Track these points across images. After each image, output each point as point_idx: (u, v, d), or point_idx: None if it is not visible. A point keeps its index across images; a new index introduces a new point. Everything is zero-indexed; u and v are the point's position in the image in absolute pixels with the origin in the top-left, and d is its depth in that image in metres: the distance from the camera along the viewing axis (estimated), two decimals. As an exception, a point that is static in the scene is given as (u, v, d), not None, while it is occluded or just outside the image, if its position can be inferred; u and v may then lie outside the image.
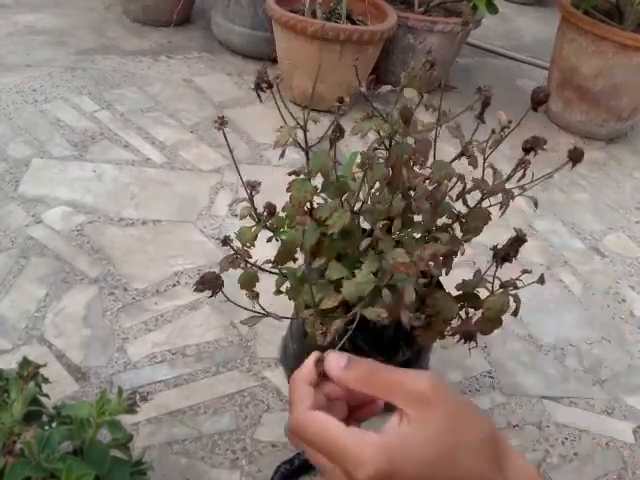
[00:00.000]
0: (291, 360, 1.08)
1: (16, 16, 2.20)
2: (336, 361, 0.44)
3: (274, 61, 2.04)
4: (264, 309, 0.83)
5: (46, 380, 0.69)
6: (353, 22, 1.98)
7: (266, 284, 0.89)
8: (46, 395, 0.69)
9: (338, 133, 0.72)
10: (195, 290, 0.71)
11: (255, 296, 0.82)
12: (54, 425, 0.65)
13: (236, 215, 1.45)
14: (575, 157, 0.74)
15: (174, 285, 1.24)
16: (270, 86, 0.73)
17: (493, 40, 2.79)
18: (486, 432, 0.42)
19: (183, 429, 0.98)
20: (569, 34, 2.02)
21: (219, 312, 1.19)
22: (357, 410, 0.48)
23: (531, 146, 0.74)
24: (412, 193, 0.81)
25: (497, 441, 0.42)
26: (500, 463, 0.42)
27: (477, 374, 1.18)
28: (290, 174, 0.82)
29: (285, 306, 0.91)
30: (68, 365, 1.04)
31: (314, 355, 0.46)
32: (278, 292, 0.89)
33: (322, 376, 0.45)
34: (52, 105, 1.72)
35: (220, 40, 2.26)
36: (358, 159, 0.87)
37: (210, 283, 0.71)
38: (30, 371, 0.66)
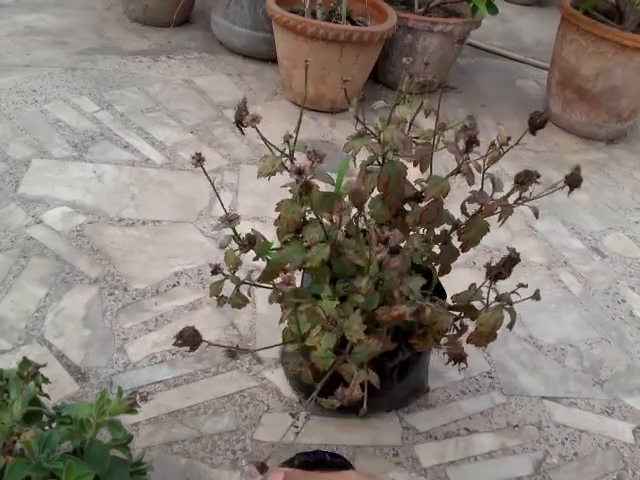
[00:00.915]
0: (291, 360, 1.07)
1: (16, 16, 2.20)
2: None
3: (274, 61, 2.04)
4: (245, 349, 0.85)
5: (46, 380, 0.69)
6: (353, 22, 1.98)
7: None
8: (46, 395, 0.70)
9: (305, 191, 0.73)
10: (174, 344, 0.71)
11: (233, 356, 0.82)
12: (54, 425, 0.65)
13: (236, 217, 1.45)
14: (573, 182, 0.74)
15: (174, 285, 1.24)
16: (250, 123, 0.74)
17: (493, 40, 2.79)
18: None
19: (183, 429, 0.98)
20: (569, 34, 2.02)
21: (219, 312, 1.19)
22: None
23: (523, 180, 0.75)
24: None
25: None
26: None
27: (477, 374, 1.18)
28: (284, 187, 0.83)
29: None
30: (68, 365, 1.04)
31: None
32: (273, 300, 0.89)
33: None
34: (52, 105, 1.72)
35: (220, 40, 2.26)
36: (351, 164, 0.87)
37: (189, 339, 0.71)
38: (30, 371, 0.66)
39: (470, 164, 0.78)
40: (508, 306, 0.80)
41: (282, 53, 1.93)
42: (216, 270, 0.81)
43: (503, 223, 0.78)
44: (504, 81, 2.43)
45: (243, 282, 0.84)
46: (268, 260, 0.86)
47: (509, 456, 1.05)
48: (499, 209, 0.75)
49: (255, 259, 0.87)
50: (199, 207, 1.46)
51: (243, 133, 0.77)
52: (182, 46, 2.22)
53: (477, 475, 1.01)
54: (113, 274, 1.23)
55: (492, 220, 0.82)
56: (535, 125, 0.72)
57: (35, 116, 1.66)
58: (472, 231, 0.82)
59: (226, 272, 0.85)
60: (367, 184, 0.80)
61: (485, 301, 0.82)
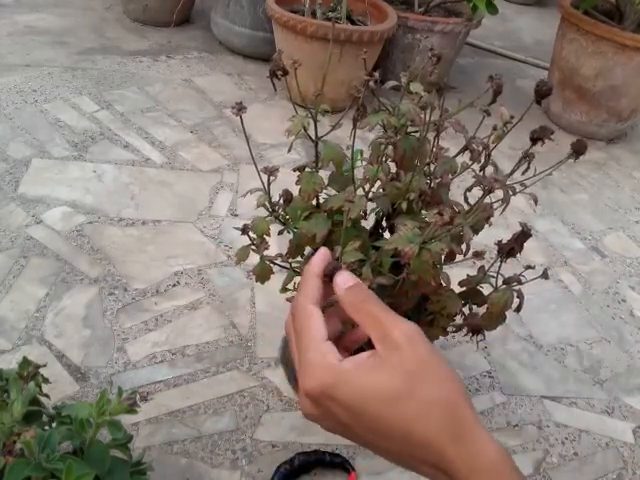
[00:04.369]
0: (291, 360, 1.07)
1: (16, 16, 2.20)
2: (343, 280, 0.46)
3: (274, 61, 2.04)
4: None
5: (46, 380, 0.69)
6: (353, 22, 1.98)
7: (267, 285, 0.89)
8: (46, 395, 0.69)
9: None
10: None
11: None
12: (54, 425, 0.65)
13: (236, 215, 1.45)
14: (578, 149, 0.73)
15: (174, 285, 1.24)
16: (285, 73, 0.72)
17: (493, 40, 2.79)
18: (446, 397, 0.41)
19: (183, 429, 0.98)
20: (569, 34, 2.03)
21: (219, 312, 1.19)
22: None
23: (538, 136, 0.73)
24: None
25: (457, 412, 0.41)
26: (457, 434, 0.40)
27: (477, 374, 1.18)
28: (295, 170, 0.82)
29: (286, 304, 0.90)
30: (68, 365, 1.04)
31: (327, 257, 0.48)
32: (284, 290, 0.88)
33: (328, 279, 0.47)
34: (52, 105, 1.72)
35: (220, 40, 2.26)
36: (359, 156, 0.87)
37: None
38: (30, 371, 0.66)
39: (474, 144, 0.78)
40: (517, 287, 0.80)
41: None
42: (245, 230, 0.79)
43: (505, 208, 0.78)
44: (504, 81, 2.42)
45: (267, 257, 0.82)
46: (294, 233, 0.84)
47: (509, 456, 1.04)
48: (497, 185, 0.74)
49: (280, 233, 0.85)
50: (199, 207, 1.46)
51: (275, 89, 0.76)
52: (182, 46, 2.22)
53: (477, 475, 1.01)
54: (113, 274, 1.23)
55: (493, 216, 0.82)
56: (541, 93, 0.71)
57: (35, 116, 1.66)
58: (476, 214, 0.82)
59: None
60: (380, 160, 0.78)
61: (494, 282, 0.82)
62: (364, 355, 0.43)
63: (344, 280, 0.46)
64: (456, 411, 0.41)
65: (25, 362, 0.67)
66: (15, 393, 0.62)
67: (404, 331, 0.42)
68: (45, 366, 0.68)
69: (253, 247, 0.81)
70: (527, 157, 0.75)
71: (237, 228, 0.81)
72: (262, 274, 0.84)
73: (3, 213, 1.33)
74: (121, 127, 1.69)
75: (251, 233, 0.81)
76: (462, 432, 0.40)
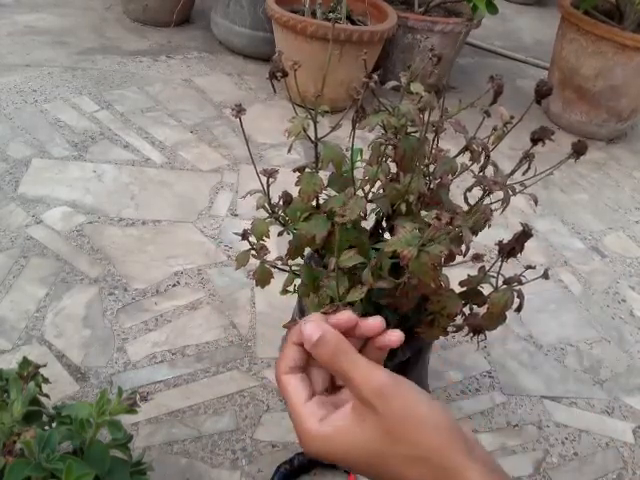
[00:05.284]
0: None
1: (16, 16, 2.20)
2: (309, 335, 0.46)
3: (274, 61, 2.04)
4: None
5: (46, 380, 0.69)
6: (353, 22, 1.98)
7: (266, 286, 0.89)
8: (46, 395, 0.69)
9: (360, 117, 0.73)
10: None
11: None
12: (54, 425, 0.65)
13: (236, 215, 1.45)
14: (579, 150, 0.73)
15: (174, 285, 1.24)
16: (285, 75, 0.72)
17: (493, 40, 2.79)
18: (426, 452, 0.41)
19: (183, 429, 0.98)
20: (569, 34, 2.02)
21: (219, 312, 1.19)
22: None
23: (539, 137, 0.73)
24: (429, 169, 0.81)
25: (441, 461, 0.41)
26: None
27: (477, 374, 1.18)
28: (295, 171, 0.82)
29: (286, 304, 0.90)
30: (68, 365, 1.04)
31: (310, 318, 0.48)
32: (285, 292, 0.88)
33: None
34: (52, 105, 1.72)
35: (220, 40, 2.26)
36: (359, 157, 0.87)
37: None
38: (30, 371, 0.66)
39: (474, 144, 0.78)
40: (517, 287, 0.80)
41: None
42: (245, 235, 0.79)
43: (505, 208, 0.78)
44: (504, 81, 2.42)
45: (267, 261, 0.82)
46: (294, 234, 0.84)
47: (509, 456, 1.05)
48: (497, 187, 0.74)
49: (279, 234, 0.85)
50: (199, 207, 1.46)
51: (275, 90, 0.76)
52: (182, 46, 2.22)
53: (477, 475, 1.01)
54: (113, 274, 1.23)
55: (493, 216, 0.82)
56: (541, 93, 0.72)
57: (35, 116, 1.66)
58: (476, 217, 0.82)
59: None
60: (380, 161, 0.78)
61: (495, 282, 0.82)
62: (346, 412, 0.44)
63: (309, 333, 0.46)
64: (440, 461, 0.41)
65: (25, 362, 0.67)
66: (15, 393, 0.62)
67: (374, 388, 0.42)
68: (45, 366, 0.68)
69: (253, 252, 0.81)
70: (527, 157, 0.75)
71: (237, 233, 0.80)
72: (262, 278, 0.84)
73: (3, 213, 1.33)
74: (121, 127, 1.69)
75: (251, 237, 0.81)
76: (452, 477, 0.41)
